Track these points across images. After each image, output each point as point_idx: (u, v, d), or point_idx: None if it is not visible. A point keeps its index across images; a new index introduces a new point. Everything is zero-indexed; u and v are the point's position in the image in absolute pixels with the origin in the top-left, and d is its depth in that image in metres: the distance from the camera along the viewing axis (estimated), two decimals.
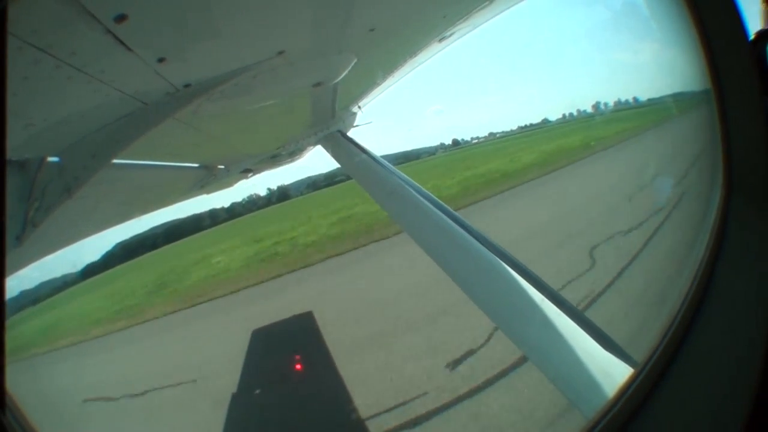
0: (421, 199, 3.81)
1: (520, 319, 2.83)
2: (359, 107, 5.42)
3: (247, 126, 4.18)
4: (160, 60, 2.11)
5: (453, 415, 6.05)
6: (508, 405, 5.85)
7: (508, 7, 4.10)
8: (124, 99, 2.29)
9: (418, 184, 4.04)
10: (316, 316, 10.03)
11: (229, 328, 11.17)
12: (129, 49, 1.86)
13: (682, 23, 1.67)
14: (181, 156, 4.35)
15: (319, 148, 5.34)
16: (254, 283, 14.97)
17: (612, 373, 2.18)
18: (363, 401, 6.74)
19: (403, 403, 6.43)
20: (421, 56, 4.50)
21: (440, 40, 4.13)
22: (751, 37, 1.62)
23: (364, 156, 4.58)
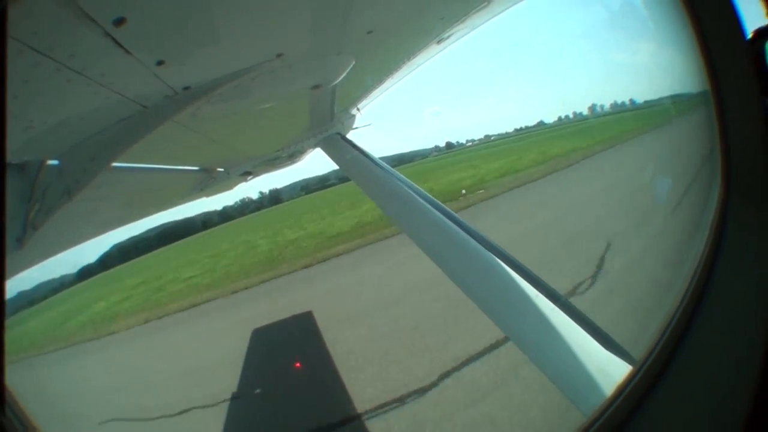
0: (421, 200, 3.82)
1: (518, 318, 2.83)
2: (358, 109, 5.43)
3: (246, 128, 4.19)
4: (159, 63, 2.11)
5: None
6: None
7: (506, 9, 4.11)
8: (124, 102, 2.30)
9: (417, 186, 4.05)
10: None
11: None
12: (128, 53, 1.87)
13: (678, 22, 1.68)
14: (181, 159, 4.35)
15: (319, 150, 5.35)
16: None
17: (610, 370, 2.18)
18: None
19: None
20: (420, 58, 4.52)
21: (438, 42, 4.14)
22: (749, 35, 1.63)
23: (363, 158, 4.59)
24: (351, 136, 5.27)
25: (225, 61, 2.51)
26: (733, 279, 1.55)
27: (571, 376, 2.33)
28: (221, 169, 5.31)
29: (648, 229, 8.06)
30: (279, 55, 2.61)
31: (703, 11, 1.56)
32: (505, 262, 3.01)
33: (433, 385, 6.70)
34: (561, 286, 7.56)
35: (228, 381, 8.39)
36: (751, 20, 1.61)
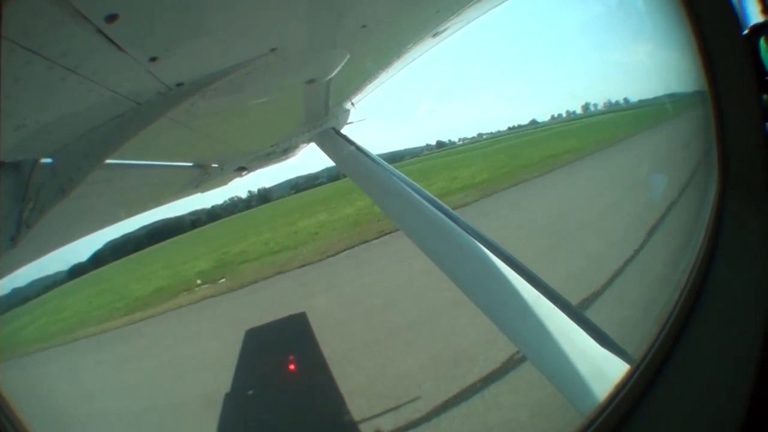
0: (416, 195, 3.82)
1: (516, 316, 2.84)
2: (352, 104, 5.41)
3: (240, 124, 4.17)
4: (152, 59, 2.09)
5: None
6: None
7: (500, 3, 4.11)
8: (117, 99, 2.28)
9: (412, 181, 4.05)
10: None
11: None
12: (121, 49, 1.85)
13: (674, 17, 1.67)
14: (175, 155, 4.33)
15: (313, 145, 5.34)
16: None
17: (608, 369, 2.18)
18: None
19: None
20: (415, 52, 4.50)
21: (434, 36, 4.13)
22: (745, 31, 1.63)
23: (357, 153, 4.58)
24: (345, 131, 5.26)
25: (218, 56, 2.49)
26: (731, 276, 1.56)
27: (568, 376, 2.33)
28: (216, 165, 5.29)
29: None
30: (273, 50, 2.59)
31: (700, 7, 1.55)
32: (502, 260, 3.02)
33: None
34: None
35: None
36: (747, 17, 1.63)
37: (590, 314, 2.63)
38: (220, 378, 8.18)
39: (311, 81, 3.44)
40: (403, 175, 4.19)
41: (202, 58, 2.42)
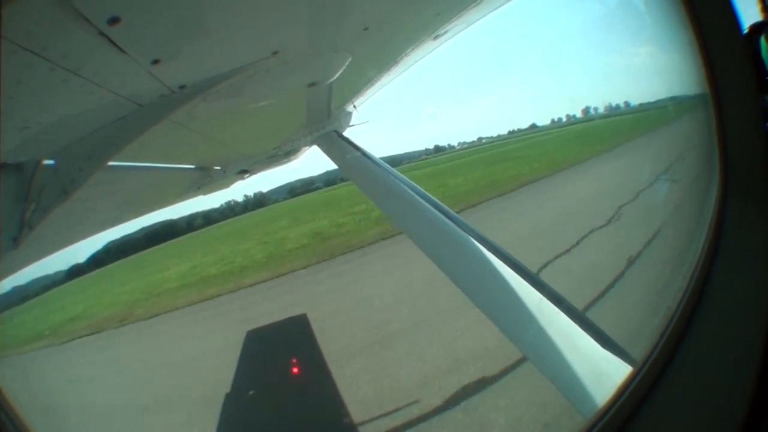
0: (418, 198, 3.82)
1: (518, 318, 2.83)
2: (354, 107, 5.42)
3: (242, 127, 4.18)
4: (155, 62, 2.10)
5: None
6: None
7: (502, 4, 4.11)
8: (119, 101, 2.28)
9: (414, 184, 4.05)
10: None
11: None
12: (123, 51, 1.86)
13: (674, 18, 1.67)
14: (177, 157, 4.34)
15: (315, 148, 5.34)
16: None
17: (611, 372, 2.17)
18: None
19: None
20: (416, 54, 4.50)
21: (435, 38, 4.13)
22: (745, 30, 1.62)
23: (359, 156, 4.58)
24: (348, 134, 5.27)
25: (220, 59, 2.49)
26: (732, 278, 1.55)
27: (570, 378, 2.32)
28: (218, 168, 5.30)
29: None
30: (275, 53, 2.60)
31: (699, 6, 1.55)
32: (505, 262, 3.00)
33: None
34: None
35: None
36: (747, 16, 1.62)
37: (592, 316, 2.61)
38: None
39: (313, 84, 3.44)
40: (405, 177, 4.19)
41: (204, 60, 2.43)
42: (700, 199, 1.78)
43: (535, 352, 2.70)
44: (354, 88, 4.91)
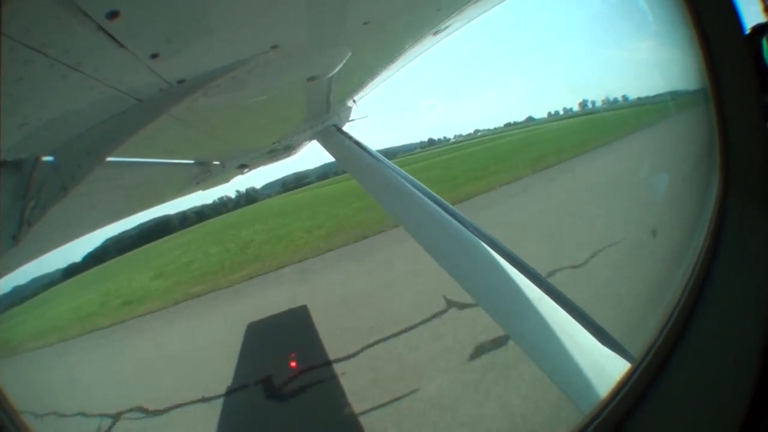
0: (418, 193, 3.82)
1: (517, 313, 2.83)
2: (354, 101, 5.41)
3: (242, 121, 4.17)
4: (154, 56, 2.09)
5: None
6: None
7: (501, 0, 4.08)
8: (118, 96, 2.28)
9: (414, 179, 4.04)
10: None
11: None
12: (122, 46, 1.85)
13: (675, 16, 1.66)
14: (177, 152, 4.33)
15: (315, 142, 5.34)
16: None
17: (609, 368, 2.17)
18: None
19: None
20: (417, 49, 4.49)
21: (435, 34, 4.11)
22: (747, 31, 1.62)
23: (359, 150, 4.58)
24: (347, 128, 5.26)
25: (220, 53, 2.48)
26: (732, 276, 1.55)
27: (569, 373, 2.33)
28: (217, 163, 5.29)
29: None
30: (274, 47, 2.58)
31: (701, 5, 1.54)
32: (504, 257, 3.01)
33: None
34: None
35: None
36: (749, 17, 1.61)
37: (592, 312, 2.62)
38: None
39: (313, 78, 3.43)
40: (405, 172, 4.18)
41: (203, 54, 2.42)
42: (701, 196, 1.79)
43: (533, 346, 2.71)
44: (354, 83, 4.89)
